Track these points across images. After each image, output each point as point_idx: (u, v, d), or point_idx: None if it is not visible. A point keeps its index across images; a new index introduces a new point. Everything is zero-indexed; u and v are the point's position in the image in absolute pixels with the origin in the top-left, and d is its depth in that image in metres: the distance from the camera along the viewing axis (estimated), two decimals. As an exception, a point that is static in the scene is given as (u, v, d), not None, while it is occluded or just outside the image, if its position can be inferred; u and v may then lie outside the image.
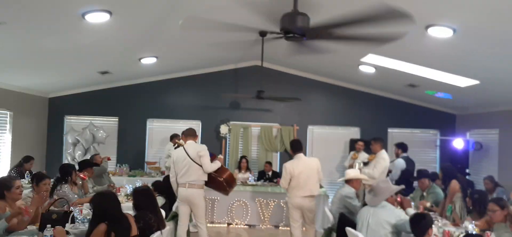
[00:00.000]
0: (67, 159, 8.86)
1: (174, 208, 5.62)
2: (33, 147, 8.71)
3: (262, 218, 7.86)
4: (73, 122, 9.45)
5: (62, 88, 9.22)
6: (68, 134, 9.05)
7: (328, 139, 9.81)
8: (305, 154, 6.31)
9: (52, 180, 5.57)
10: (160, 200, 5.53)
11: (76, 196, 5.35)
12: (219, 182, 5.62)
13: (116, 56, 7.21)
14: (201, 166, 5.44)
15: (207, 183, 5.64)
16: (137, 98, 9.55)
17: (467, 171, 8.61)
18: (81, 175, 5.88)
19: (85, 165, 6.35)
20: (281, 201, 7.70)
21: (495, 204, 4.37)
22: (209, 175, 5.56)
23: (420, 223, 3.76)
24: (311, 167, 5.72)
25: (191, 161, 5.43)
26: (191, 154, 5.45)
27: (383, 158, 6.51)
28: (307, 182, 5.63)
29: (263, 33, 6.43)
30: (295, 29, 3.82)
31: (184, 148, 5.53)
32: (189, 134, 5.71)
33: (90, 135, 8.89)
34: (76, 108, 9.51)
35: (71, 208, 4.41)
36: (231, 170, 7.93)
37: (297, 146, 5.91)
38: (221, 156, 6.31)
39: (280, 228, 7.83)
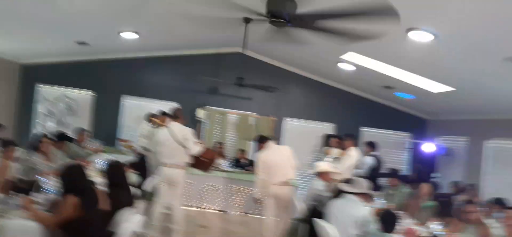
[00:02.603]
0: (38, 130, 8.60)
1: (146, 188, 5.58)
2: (1, 113, 8.41)
3: (233, 204, 7.89)
4: (45, 91, 9.16)
5: (36, 55, 8.89)
6: (39, 103, 8.78)
7: (303, 133, 9.90)
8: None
9: (20, 148, 5.43)
10: (136, 178, 5.50)
11: (47, 166, 5.22)
12: (201, 161, 5.75)
13: (95, 26, 7.00)
14: (185, 148, 5.45)
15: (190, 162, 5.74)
16: (114, 73, 9.35)
17: (435, 175, 8.88)
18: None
19: (61, 138, 6.19)
20: (253, 188, 7.74)
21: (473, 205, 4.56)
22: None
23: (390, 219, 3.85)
24: (284, 154, 5.82)
25: (176, 143, 5.43)
26: (176, 136, 5.42)
27: (350, 155, 6.67)
28: (281, 168, 5.71)
29: (247, 20, 6.40)
30: (281, 13, 3.82)
31: (169, 129, 5.51)
32: (176, 115, 5.72)
33: (64, 106, 8.67)
34: (50, 78, 9.20)
35: (37, 176, 4.32)
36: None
37: (262, 139, 6.04)
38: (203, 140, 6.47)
39: (250, 215, 7.89)
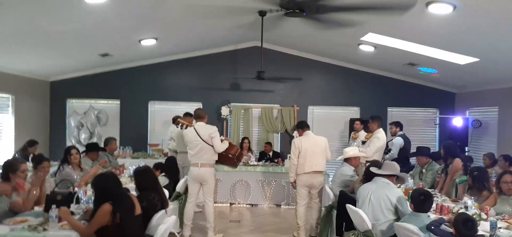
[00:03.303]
0: (71, 142, 8.93)
1: (177, 188, 5.71)
2: (36, 130, 8.78)
3: (264, 197, 7.98)
4: (75, 105, 9.50)
5: (63, 71, 9.23)
6: (70, 116, 9.10)
7: (328, 119, 9.86)
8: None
9: (55, 163, 5.65)
10: (164, 180, 5.62)
11: (80, 176, 5.42)
12: (229, 158, 5.87)
13: (116, 38, 7.21)
14: (212, 146, 5.57)
15: (217, 159, 5.84)
16: (138, 80, 9.58)
17: (466, 149, 8.67)
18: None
19: (90, 148, 6.40)
20: (283, 180, 7.80)
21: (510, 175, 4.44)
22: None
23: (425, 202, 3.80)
24: (319, 144, 5.84)
25: (203, 142, 5.57)
26: (202, 135, 5.59)
27: (378, 137, 6.58)
28: (313, 157, 5.75)
29: (262, 13, 6.43)
30: (294, 4, 3.83)
31: (195, 129, 5.63)
32: (199, 115, 5.83)
33: (94, 117, 8.95)
34: (78, 92, 9.53)
35: (76, 189, 4.48)
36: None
37: (303, 125, 6.08)
38: (228, 138, 6.56)
39: (281, 207, 7.94)
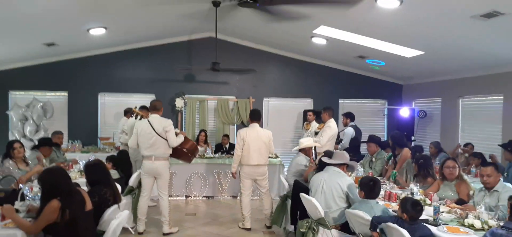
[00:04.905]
0: (14, 136, 8.41)
1: (130, 182, 5.57)
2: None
3: (220, 189, 7.97)
4: (17, 97, 8.95)
5: (5, 61, 8.66)
6: (12, 110, 8.55)
7: (283, 110, 10.00)
8: (261, 126, 6.45)
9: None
10: (114, 174, 5.46)
11: (25, 172, 5.13)
12: (183, 152, 5.77)
13: (62, 27, 6.86)
14: (166, 139, 5.46)
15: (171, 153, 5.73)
16: (87, 71, 9.18)
17: (413, 138, 9.13)
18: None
19: (43, 143, 6.07)
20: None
21: (454, 161, 4.74)
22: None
23: (374, 188, 3.96)
24: (262, 138, 5.85)
25: (157, 136, 5.44)
26: (156, 128, 5.45)
27: (330, 127, 6.77)
28: (256, 151, 5.79)
29: (216, 3, 6.38)
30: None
31: (149, 122, 5.49)
32: (155, 106, 5.67)
33: (41, 110, 8.48)
34: (21, 83, 8.99)
35: (20, 185, 4.26)
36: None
37: (254, 116, 6.05)
38: (184, 131, 6.42)
39: (237, 198, 7.97)
